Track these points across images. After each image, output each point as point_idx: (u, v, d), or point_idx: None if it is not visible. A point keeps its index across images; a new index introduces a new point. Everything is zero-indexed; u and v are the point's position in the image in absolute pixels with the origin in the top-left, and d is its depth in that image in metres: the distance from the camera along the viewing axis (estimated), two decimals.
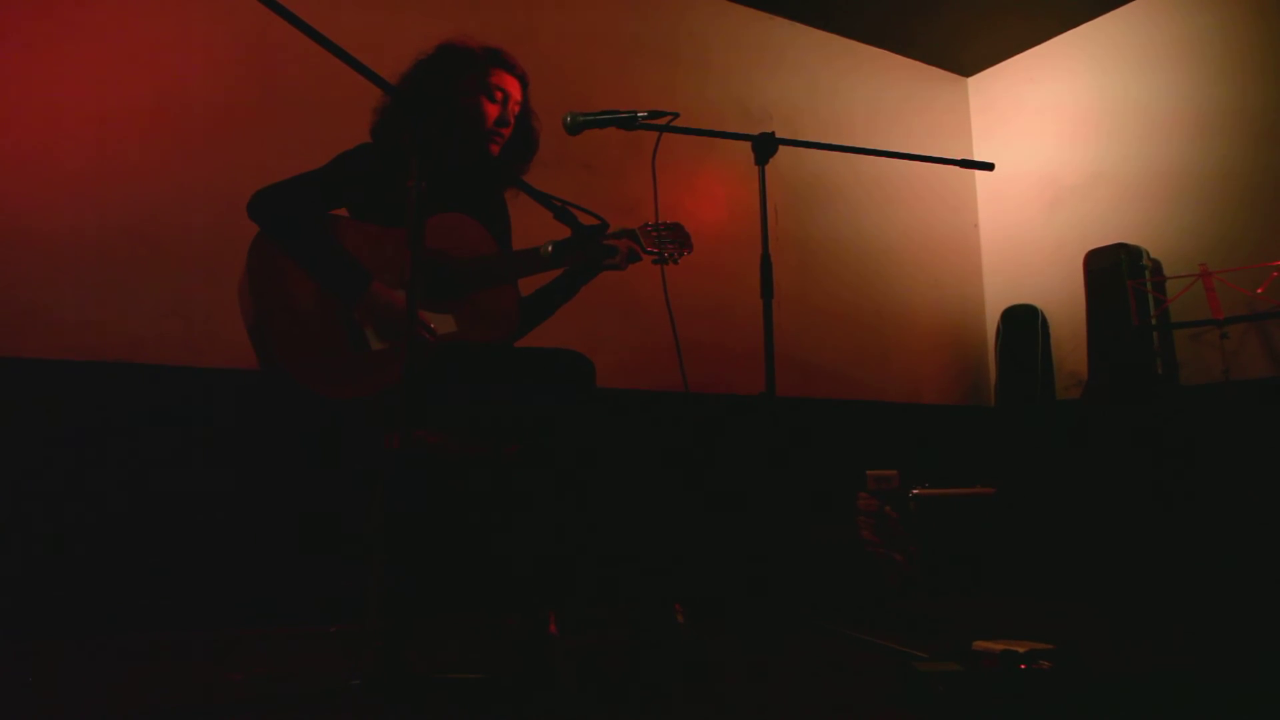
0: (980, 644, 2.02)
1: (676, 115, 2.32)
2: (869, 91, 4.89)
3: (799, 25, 4.68)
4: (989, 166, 2.65)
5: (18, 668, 2.12)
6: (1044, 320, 4.67)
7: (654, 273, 2.52)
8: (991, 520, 3.84)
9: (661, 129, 2.34)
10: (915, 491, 3.79)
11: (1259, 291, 3.51)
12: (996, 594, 3.45)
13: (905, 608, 3.20)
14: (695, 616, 2.18)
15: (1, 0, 2.88)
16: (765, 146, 2.43)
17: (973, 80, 5.29)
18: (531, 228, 2.60)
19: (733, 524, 3.72)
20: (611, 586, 3.13)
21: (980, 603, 3.25)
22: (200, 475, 2.90)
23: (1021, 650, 1.91)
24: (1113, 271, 4.02)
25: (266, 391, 2.99)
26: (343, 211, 2.23)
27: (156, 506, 2.82)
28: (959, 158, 4.97)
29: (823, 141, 4.37)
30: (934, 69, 5.18)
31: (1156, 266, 4.08)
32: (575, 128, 2.33)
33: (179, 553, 2.82)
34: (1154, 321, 3.88)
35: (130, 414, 2.85)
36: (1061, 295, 4.57)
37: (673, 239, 2.50)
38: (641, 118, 2.31)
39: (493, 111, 2.30)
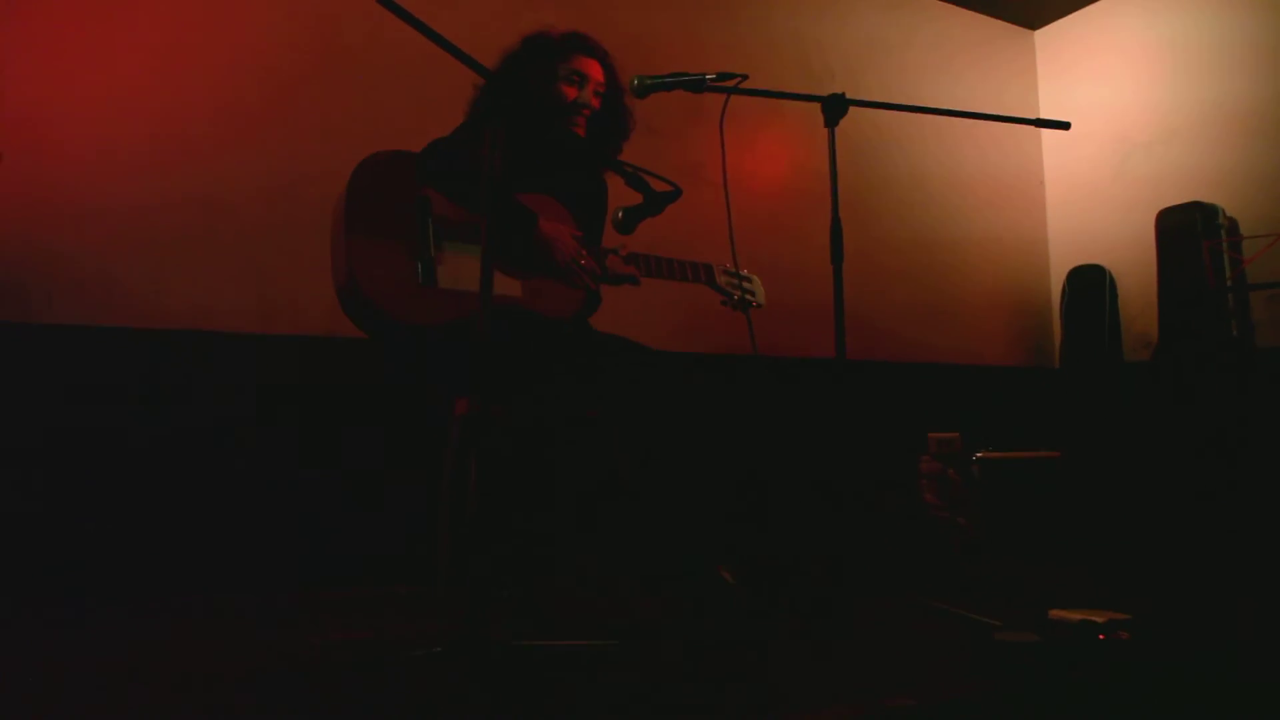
0: (1056, 613, 2.01)
1: (745, 77, 2.28)
2: (933, 47, 4.76)
3: None
4: (1065, 125, 2.56)
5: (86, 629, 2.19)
6: (1111, 280, 4.56)
7: (718, 232, 2.49)
8: (1057, 485, 3.79)
9: (730, 91, 2.30)
10: (979, 455, 3.74)
11: None
12: (1063, 561, 3.41)
13: (972, 572, 3.17)
14: (757, 580, 2.19)
15: None
16: (835, 108, 2.37)
17: (1039, 33, 5.13)
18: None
19: (797, 488, 3.71)
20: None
21: (1047, 569, 3.21)
22: (263, 438, 2.96)
23: (1100, 620, 1.89)
24: (1187, 231, 3.91)
25: (330, 356, 3.05)
26: None
27: (216, 469, 2.89)
28: (1026, 114, 4.90)
29: (888, 99, 4.32)
30: (999, 22, 5.03)
31: (1233, 225, 3.95)
32: (642, 90, 2.30)
33: (238, 515, 2.88)
34: (1229, 283, 3.77)
35: (197, 380, 2.91)
36: (1131, 255, 4.45)
37: (749, 289, 2.62)
38: (710, 80, 2.27)
39: (571, 93, 2.41)
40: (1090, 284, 4.61)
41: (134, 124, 2.93)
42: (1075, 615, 1.95)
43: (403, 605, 2.54)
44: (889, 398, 4.21)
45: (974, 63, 4.89)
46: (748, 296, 2.61)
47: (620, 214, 2.21)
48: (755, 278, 2.70)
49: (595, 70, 2.47)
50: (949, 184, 4.69)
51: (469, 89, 2.48)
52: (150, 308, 2.89)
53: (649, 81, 2.29)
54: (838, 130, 2.37)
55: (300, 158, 3.10)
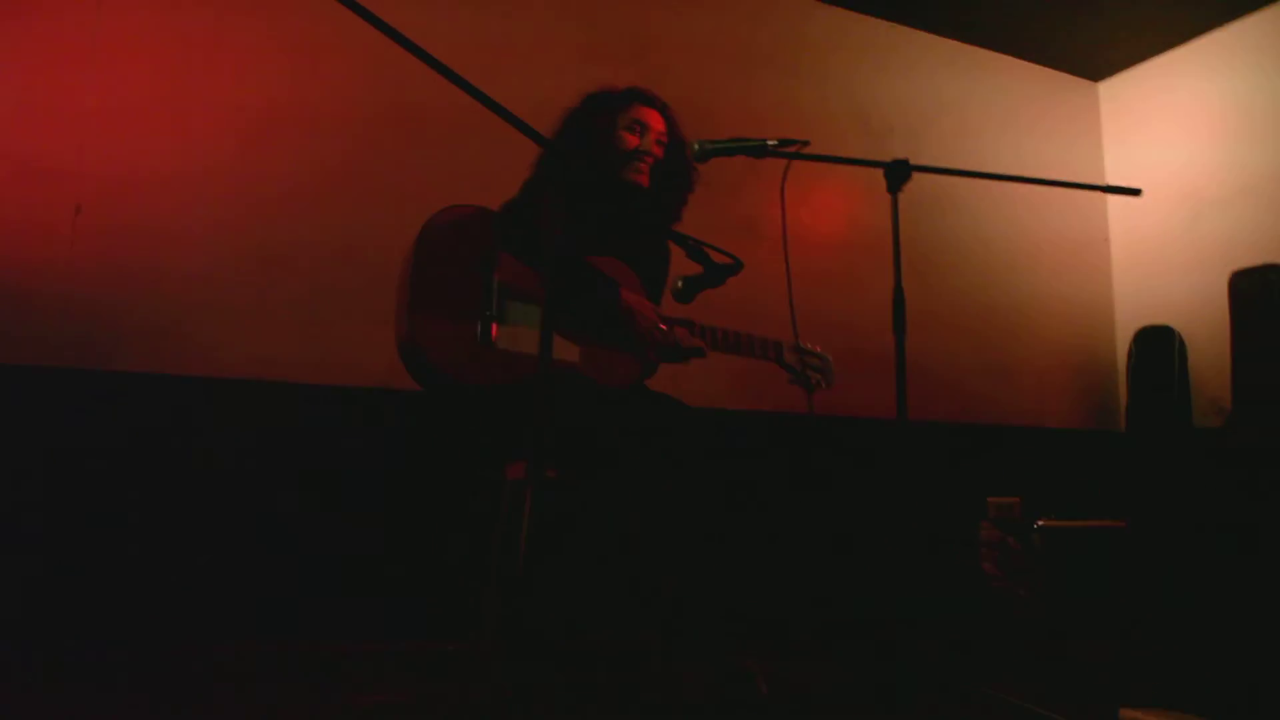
0: (1128, 713, 1.90)
1: (806, 142, 2.24)
2: (994, 100, 4.70)
3: (922, 33, 4.53)
4: (1135, 192, 2.48)
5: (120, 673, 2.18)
6: (1181, 342, 4.41)
7: (775, 290, 2.44)
8: (1122, 556, 3.64)
9: (791, 156, 2.26)
10: (1040, 523, 3.61)
11: None
12: (1130, 640, 3.26)
13: (1034, 651, 3.05)
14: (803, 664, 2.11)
15: (141, 31, 2.99)
16: (898, 174, 2.32)
17: (1103, 85, 5.03)
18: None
19: (850, 553, 3.62)
20: (722, 622, 3.07)
21: (1114, 651, 3.07)
22: (320, 488, 2.97)
23: None
24: (1263, 294, 3.76)
25: (387, 407, 3.06)
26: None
27: (263, 515, 2.90)
28: (1092, 168, 4.80)
29: (952, 159, 4.26)
30: (1062, 74, 4.94)
31: None
32: (703, 155, 2.27)
33: (283, 562, 2.89)
34: None
35: (259, 429, 2.94)
36: (1201, 317, 4.30)
37: (817, 368, 2.58)
38: (771, 145, 2.24)
39: (633, 141, 2.41)
40: (1158, 346, 4.46)
41: (207, 183, 3.01)
42: (1149, 718, 1.84)
43: (446, 663, 2.51)
44: (948, 459, 4.10)
45: (1037, 116, 4.81)
46: (813, 375, 2.55)
47: (680, 283, 2.19)
48: (827, 357, 2.65)
49: (656, 120, 2.47)
50: (1011, 240, 4.60)
51: (533, 147, 2.48)
52: (214, 358, 2.93)
53: (709, 146, 2.26)
54: (888, 174, 2.32)
55: (363, 217, 3.15)
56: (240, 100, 3.07)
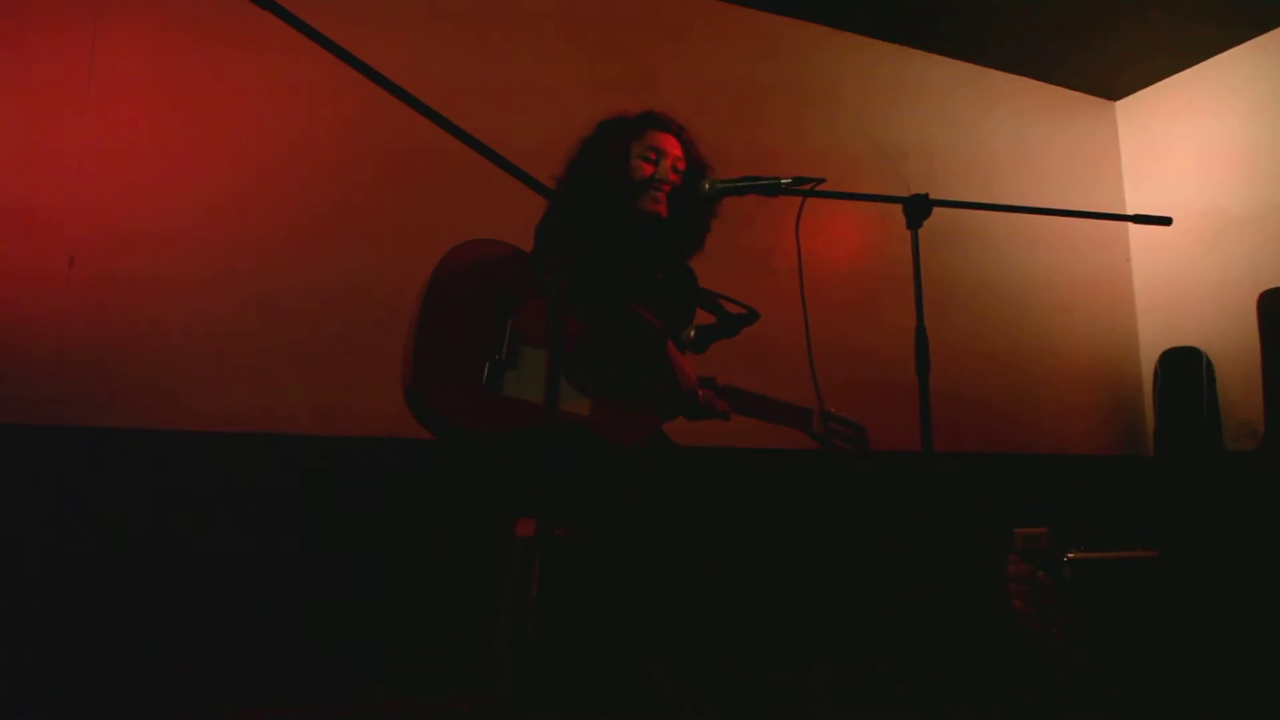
0: None
1: (821, 180, 2.17)
2: (1011, 121, 4.62)
3: (935, 57, 4.46)
4: (1166, 221, 2.40)
5: None
6: (1208, 364, 4.30)
7: (790, 324, 2.37)
8: (1156, 589, 3.51)
9: (806, 194, 2.19)
10: (1070, 555, 3.49)
11: None
12: (1169, 681, 3.13)
13: (1070, 698, 2.93)
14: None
15: (137, 78, 2.96)
16: (918, 209, 2.25)
17: (1120, 104, 4.95)
18: None
19: (874, 591, 3.52)
20: (746, 659, 2.99)
21: (1152, 695, 2.95)
22: (325, 544, 2.91)
23: None
24: None
25: (394, 458, 2.99)
26: None
27: (276, 577, 2.83)
28: (1110, 188, 4.71)
29: (969, 183, 4.19)
30: (1078, 94, 4.86)
31: None
32: (714, 195, 2.21)
33: (292, 624, 2.83)
34: None
35: (262, 483, 2.87)
36: (1230, 337, 4.19)
37: (849, 437, 2.47)
38: (785, 184, 2.16)
39: (648, 170, 2.32)
40: (1185, 367, 4.35)
41: (204, 231, 2.96)
42: None
43: None
44: (971, 489, 4.00)
45: (1055, 136, 4.73)
46: (841, 445, 2.45)
47: (693, 333, 2.10)
48: (862, 427, 2.54)
49: (672, 145, 2.38)
50: (1031, 262, 4.51)
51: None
52: (214, 411, 2.86)
53: (720, 186, 2.19)
54: (907, 209, 2.24)
55: (364, 263, 3.11)
56: (238, 146, 3.03)
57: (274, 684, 2.71)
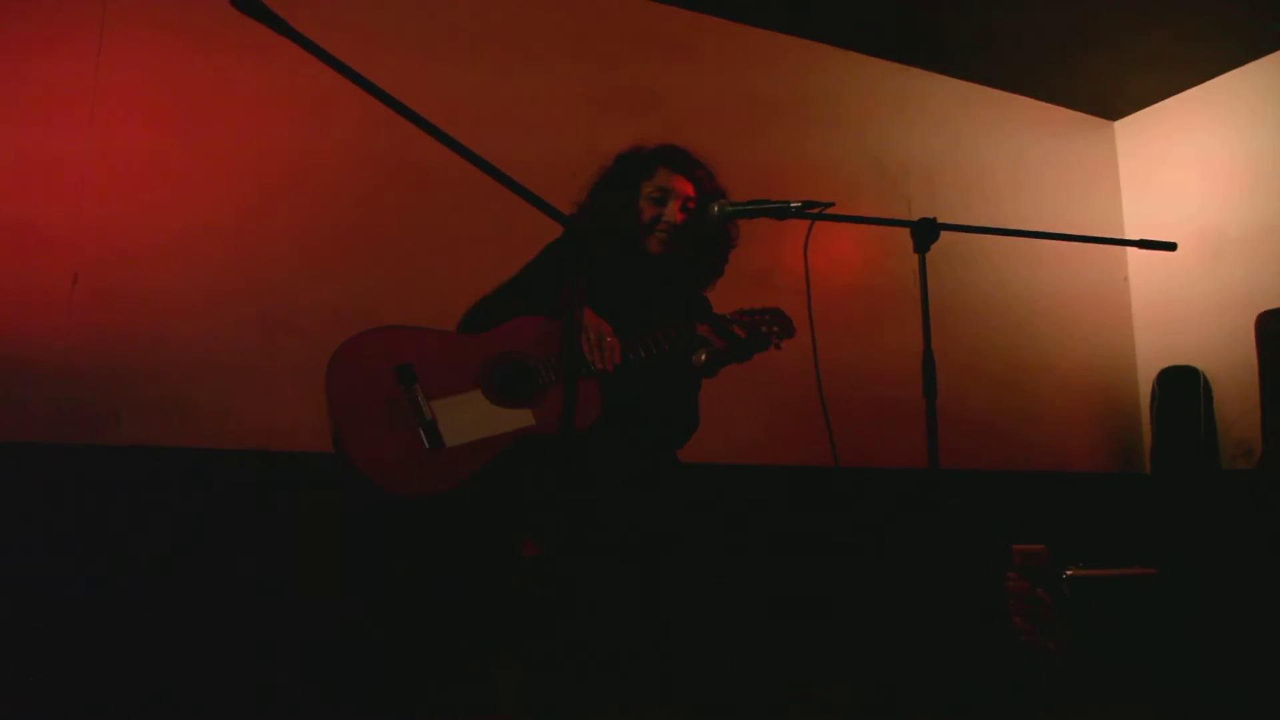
0: None
1: (830, 204, 2.19)
2: (1010, 140, 4.65)
3: (936, 76, 4.49)
4: (1170, 246, 2.42)
5: None
6: (1206, 383, 4.33)
7: (796, 342, 2.37)
8: (1154, 606, 3.53)
9: (815, 217, 2.20)
10: (1069, 573, 3.50)
11: None
12: (1167, 699, 3.14)
13: (1071, 715, 2.94)
14: None
15: (140, 94, 2.95)
16: (925, 233, 2.27)
17: (1119, 124, 4.99)
18: None
19: (872, 606, 3.53)
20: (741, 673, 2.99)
21: (1153, 711, 2.96)
22: (325, 558, 2.90)
23: None
24: None
25: None
26: None
27: (278, 596, 2.82)
28: (1109, 208, 4.75)
29: (969, 202, 4.21)
30: (1078, 114, 4.90)
31: None
32: (724, 218, 2.23)
33: (294, 643, 2.81)
34: None
35: (265, 500, 2.87)
36: (1227, 357, 4.22)
37: (766, 322, 2.33)
38: (795, 207, 2.18)
39: (650, 212, 2.35)
40: (1182, 386, 4.38)
41: (208, 248, 2.96)
42: None
43: None
44: (970, 506, 4.01)
45: (1054, 156, 4.76)
46: (742, 332, 2.26)
47: (704, 355, 2.10)
48: (777, 309, 2.37)
49: (682, 185, 2.39)
50: (1030, 281, 4.54)
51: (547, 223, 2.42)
52: (218, 428, 2.86)
53: (730, 209, 2.21)
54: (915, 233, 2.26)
55: (369, 279, 3.12)
56: (242, 162, 3.04)
57: (270, 707, 2.70)
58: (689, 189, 2.39)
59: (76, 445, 2.69)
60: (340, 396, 2.05)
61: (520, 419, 2.13)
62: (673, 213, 2.35)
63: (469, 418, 2.09)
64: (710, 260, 2.47)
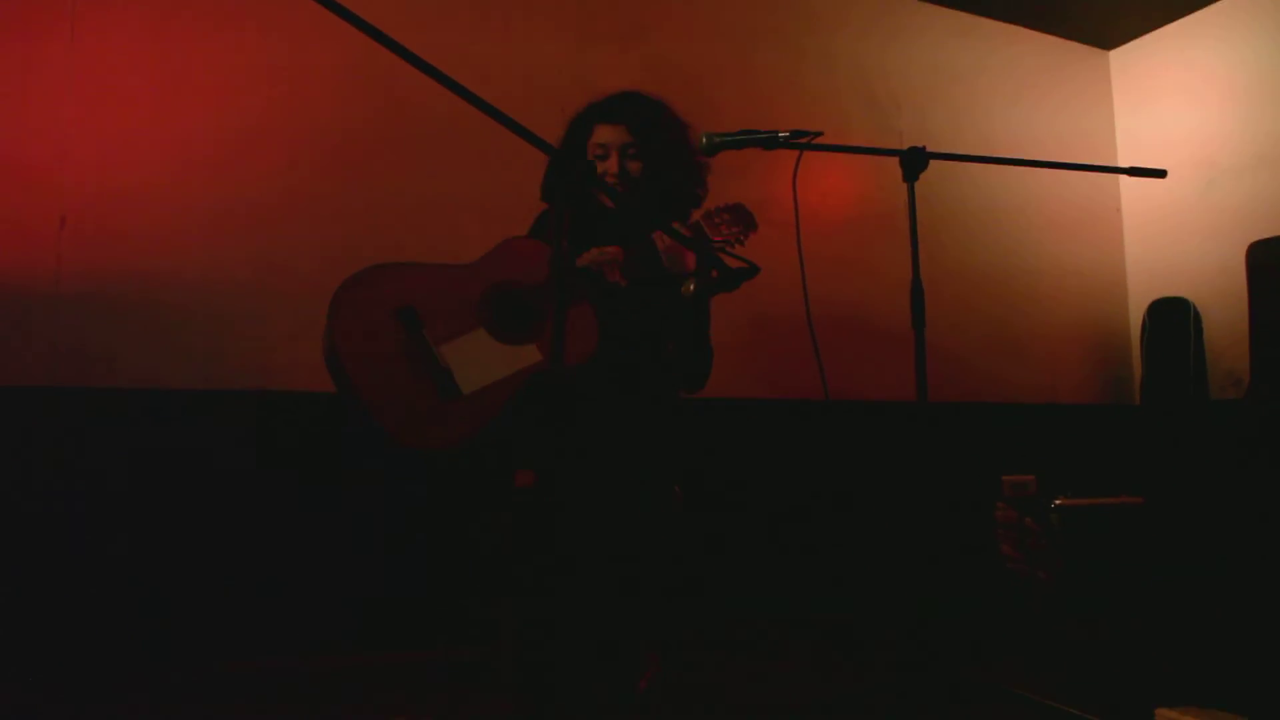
0: (1164, 713, 1.87)
1: (819, 134, 2.18)
2: (1004, 70, 4.60)
3: (929, 5, 4.42)
4: (1160, 174, 2.42)
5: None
6: (1196, 314, 4.34)
7: (786, 277, 2.38)
8: (1142, 534, 3.59)
9: (803, 148, 2.20)
10: (1058, 502, 3.55)
11: None
12: (1155, 623, 3.21)
13: (1059, 640, 3.01)
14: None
15: (123, 30, 2.91)
16: (915, 162, 2.26)
17: (1114, 54, 4.92)
18: None
19: (863, 539, 3.59)
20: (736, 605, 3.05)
21: (1139, 635, 3.03)
22: (313, 496, 2.93)
23: None
24: None
25: None
26: None
27: (267, 528, 2.86)
28: (1103, 137, 4.72)
29: (962, 132, 4.18)
30: (1072, 43, 4.83)
31: None
32: (712, 149, 2.21)
33: (294, 579, 2.86)
34: None
35: (261, 438, 2.89)
36: (1217, 288, 4.23)
37: (729, 221, 2.28)
38: (783, 137, 2.17)
39: (598, 166, 2.32)
40: (1173, 317, 4.39)
41: (197, 190, 2.93)
42: (1186, 718, 1.81)
43: (464, 676, 2.48)
44: (960, 439, 4.06)
45: (1048, 86, 4.71)
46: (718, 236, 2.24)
47: (692, 285, 2.09)
48: (739, 204, 2.30)
49: (619, 134, 2.33)
50: (1020, 210, 4.52)
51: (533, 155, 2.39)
52: (212, 370, 2.87)
53: (718, 139, 2.20)
54: (904, 162, 2.26)
55: (361, 218, 3.09)
56: (231, 101, 3.00)
57: (273, 638, 2.75)
58: (626, 136, 2.32)
59: (69, 388, 2.70)
60: (351, 356, 1.99)
61: (526, 356, 2.11)
62: (613, 165, 2.31)
63: (478, 360, 2.05)
64: (682, 189, 2.40)
